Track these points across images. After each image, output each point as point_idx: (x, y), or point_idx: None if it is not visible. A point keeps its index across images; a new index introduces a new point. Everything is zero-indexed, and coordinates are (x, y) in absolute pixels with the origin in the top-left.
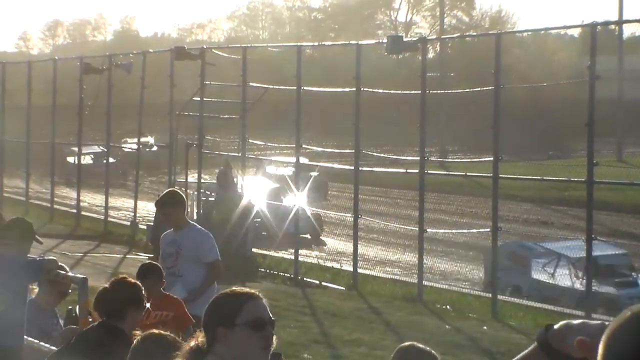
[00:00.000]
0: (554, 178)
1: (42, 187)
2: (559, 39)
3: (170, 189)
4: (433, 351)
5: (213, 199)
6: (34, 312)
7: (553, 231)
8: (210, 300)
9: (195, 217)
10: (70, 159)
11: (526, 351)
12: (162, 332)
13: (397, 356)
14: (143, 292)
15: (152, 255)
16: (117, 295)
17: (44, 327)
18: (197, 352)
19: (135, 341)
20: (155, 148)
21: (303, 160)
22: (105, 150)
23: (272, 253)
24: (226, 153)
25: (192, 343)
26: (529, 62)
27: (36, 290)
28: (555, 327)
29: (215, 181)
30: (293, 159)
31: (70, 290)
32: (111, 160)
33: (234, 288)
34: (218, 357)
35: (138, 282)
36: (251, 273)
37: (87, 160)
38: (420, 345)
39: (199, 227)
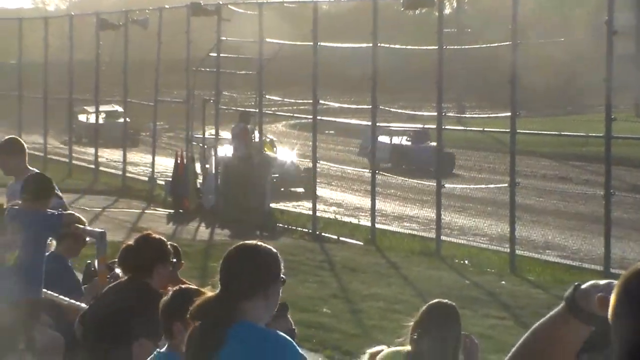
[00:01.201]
0: (572, 133)
1: (60, 143)
2: None
3: (10, 136)
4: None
5: (230, 155)
6: (62, 268)
7: (571, 186)
8: (262, 255)
9: (213, 171)
10: (82, 117)
11: (554, 311)
12: (192, 286)
13: (424, 311)
14: (169, 247)
15: (172, 210)
16: (143, 251)
17: (68, 283)
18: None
19: (166, 296)
20: (121, 120)
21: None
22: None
23: (290, 208)
24: (243, 109)
25: (208, 296)
26: (547, 17)
27: (54, 244)
28: (583, 286)
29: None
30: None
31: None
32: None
33: (260, 244)
34: (248, 317)
35: (163, 238)
36: (269, 228)
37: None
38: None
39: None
